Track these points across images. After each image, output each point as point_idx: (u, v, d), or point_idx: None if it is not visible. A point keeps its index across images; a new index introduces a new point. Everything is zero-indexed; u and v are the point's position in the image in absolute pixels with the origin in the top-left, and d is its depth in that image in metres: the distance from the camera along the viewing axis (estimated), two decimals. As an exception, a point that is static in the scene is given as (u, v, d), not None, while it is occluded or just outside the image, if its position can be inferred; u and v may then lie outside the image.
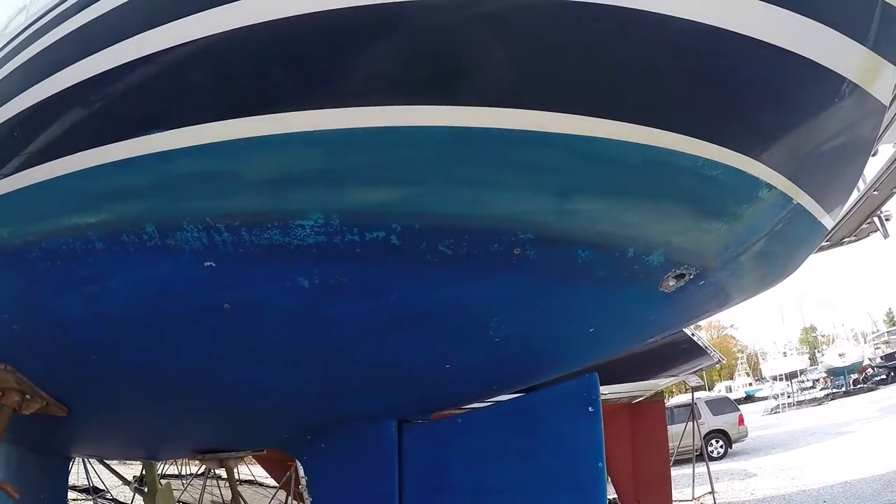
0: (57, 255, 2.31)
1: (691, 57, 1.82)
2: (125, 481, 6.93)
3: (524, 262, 2.03)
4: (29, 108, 2.34)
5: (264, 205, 1.96)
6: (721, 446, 18.76)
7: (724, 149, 1.95)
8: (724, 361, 16.92)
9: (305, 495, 10.24)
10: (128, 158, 2.02)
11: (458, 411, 3.23)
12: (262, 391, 2.74)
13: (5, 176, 2.41)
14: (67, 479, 8.00)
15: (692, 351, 10.75)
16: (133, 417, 3.51)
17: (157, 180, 2.04)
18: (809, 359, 56.38)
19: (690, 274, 2.31)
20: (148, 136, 1.99)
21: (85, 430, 4.17)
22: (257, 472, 12.52)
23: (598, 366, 2.80)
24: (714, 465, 12.21)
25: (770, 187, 2.11)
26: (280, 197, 1.95)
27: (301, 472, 10.21)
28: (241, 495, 4.89)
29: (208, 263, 2.11)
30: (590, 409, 2.63)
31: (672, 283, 2.31)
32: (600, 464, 2.58)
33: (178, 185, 2.02)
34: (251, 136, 1.86)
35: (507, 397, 3.04)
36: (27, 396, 3.27)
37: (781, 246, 2.55)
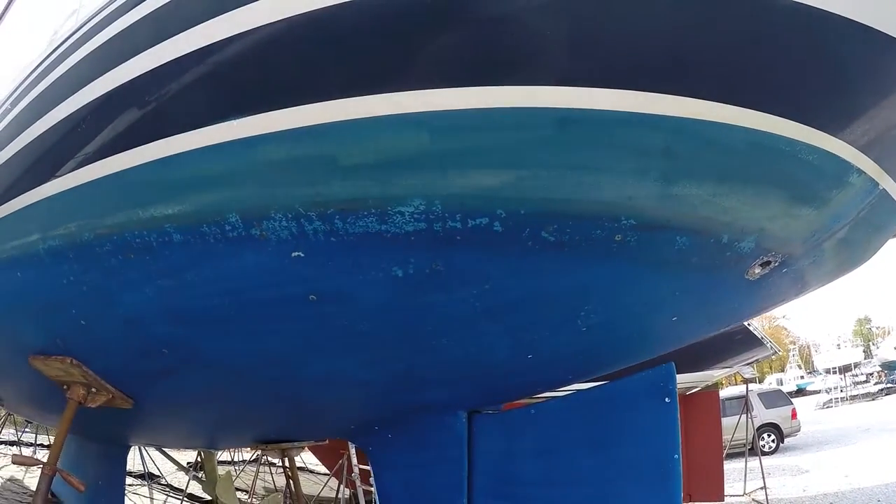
0: (130, 249, 2.27)
1: (798, 40, 1.79)
2: (182, 468, 7.09)
3: (624, 249, 1.96)
4: (96, 99, 2.33)
5: (362, 191, 1.89)
6: (773, 441, 18.28)
7: (822, 133, 1.92)
8: (780, 353, 16.48)
9: (357, 483, 10.44)
10: (211, 146, 1.97)
11: (523, 402, 3.18)
12: (337, 382, 2.71)
13: (72, 170, 2.41)
14: (125, 466, 8.27)
15: (747, 341, 10.50)
16: (199, 408, 3.54)
17: (243, 168, 1.98)
18: (864, 351, 54.42)
19: (776, 261, 2.27)
20: (233, 121, 1.93)
21: (148, 420, 4.22)
22: (308, 458, 12.72)
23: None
24: (765, 460, 11.90)
25: (860, 172, 2.08)
26: (380, 182, 1.88)
27: (354, 461, 10.43)
28: (299, 484, 4.93)
29: (296, 253, 2.04)
30: (666, 399, 2.57)
31: (758, 270, 2.28)
32: (676, 455, 2.50)
33: (267, 172, 1.95)
34: (354, 118, 1.79)
35: (575, 387, 2.99)
36: (93, 390, 3.30)
37: (863, 232, 2.50)
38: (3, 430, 17.10)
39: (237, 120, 1.93)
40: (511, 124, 1.76)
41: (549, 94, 1.72)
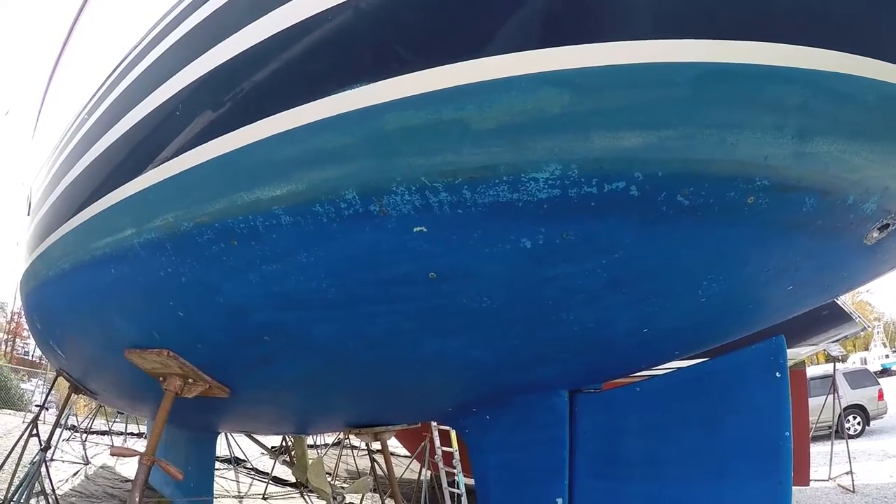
0: (232, 235, 2.21)
1: None
2: (270, 453, 7.29)
3: (755, 212, 1.85)
4: (191, 84, 2.30)
5: (494, 157, 1.78)
6: (858, 423, 17.74)
7: None
8: (869, 329, 15.68)
9: (440, 465, 10.55)
10: (326, 119, 1.89)
11: (618, 383, 3.08)
12: (446, 363, 2.64)
13: (168, 160, 2.38)
14: (214, 452, 8.59)
15: (835, 317, 9.95)
16: (296, 395, 3.55)
17: (363, 140, 1.88)
18: (958, 329, 51.16)
19: (894, 224, 2.14)
20: (351, 90, 1.85)
21: (242, 408, 4.29)
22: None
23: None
24: (851, 444, 11.45)
25: None
26: (515, 147, 1.76)
27: (437, 443, 10.55)
28: (392, 468, 4.98)
29: (418, 228, 1.95)
30: (777, 374, 2.46)
31: (875, 234, 2.15)
32: (787, 433, 2.39)
33: (390, 143, 1.86)
34: (487, 79, 1.70)
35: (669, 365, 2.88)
36: (189, 380, 3.35)
37: None
38: (95, 421, 18.22)
39: (355, 89, 1.85)
40: (653, 81, 1.66)
41: (690, 48, 1.63)
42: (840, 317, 10.03)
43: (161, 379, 3.45)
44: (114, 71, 3.00)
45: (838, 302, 9.63)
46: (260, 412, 4.40)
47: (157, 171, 2.44)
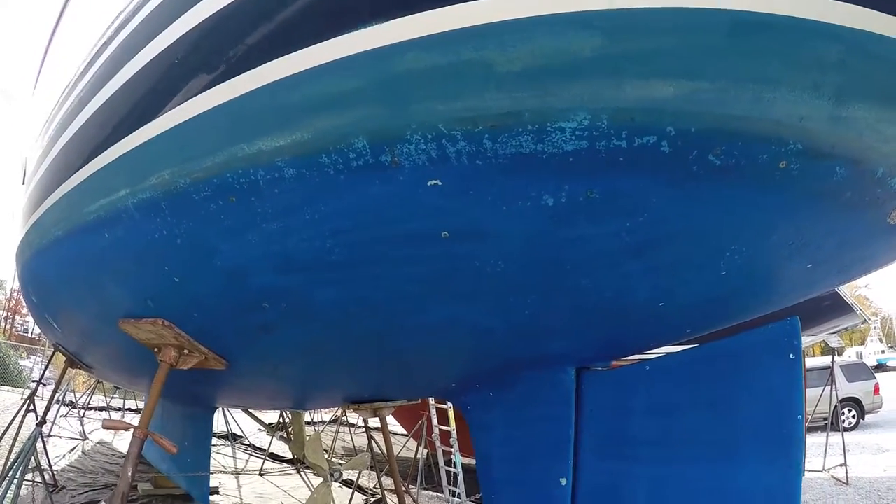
0: (231, 191, 2.08)
1: None
2: (267, 429, 7.26)
3: (786, 178, 1.75)
4: (187, 34, 2.18)
5: (519, 103, 1.64)
6: (853, 416, 17.92)
7: None
8: (869, 322, 15.71)
9: (437, 444, 10.57)
10: (335, 61, 1.76)
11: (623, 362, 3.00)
12: (453, 332, 2.53)
13: (163, 113, 2.26)
14: (211, 428, 8.57)
15: (836, 308, 9.90)
16: (295, 367, 3.45)
17: (376, 83, 1.75)
18: (954, 327, 51.41)
19: None
20: (363, 30, 1.72)
21: (240, 382, 4.22)
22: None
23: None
24: (845, 436, 11.51)
25: None
26: (541, 92, 1.63)
27: (434, 421, 10.56)
28: (391, 445, 4.92)
29: (433, 182, 1.81)
30: (791, 356, 2.38)
31: None
32: (800, 416, 2.32)
33: (406, 86, 1.72)
34: (513, 17, 1.58)
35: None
36: (185, 351, 3.27)
37: None
38: (93, 397, 18.28)
39: (367, 28, 1.72)
40: (689, 26, 1.56)
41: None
42: (841, 308, 9.99)
43: (156, 350, 3.37)
44: (108, 28, 2.88)
45: (840, 293, 9.58)
46: (258, 386, 4.30)
47: (153, 124, 2.31)
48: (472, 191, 1.82)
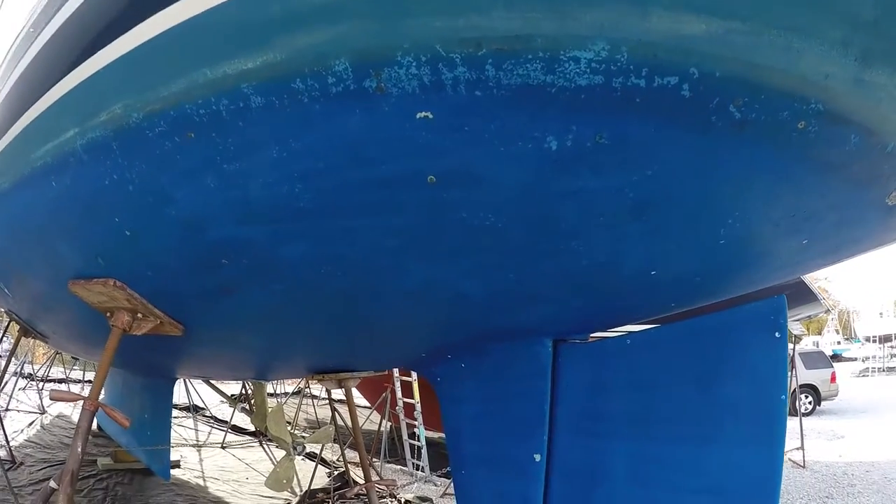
0: (189, 126, 1.83)
1: None
2: (229, 401, 7.10)
3: (802, 141, 1.62)
4: None
5: (532, 25, 1.42)
6: (810, 402, 18.56)
7: None
8: (832, 311, 16.09)
9: (401, 417, 10.52)
10: None
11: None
12: (427, 297, 2.34)
13: (117, 35, 1.98)
14: (172, 399, 8.37)
15: (801, 296, 10.04)
16: (257, 333, 3.25)
17: None
18: (907, 323, 53.32)
19: None
20: None
21: (198, 350, 4.01)
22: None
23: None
24: (802, 421, 11.85)
25: None
26: (558, 14, 1.42)
27: (399, 394, 10.50)
28: (356, 417, 4.80)
29: (423, 114, 1.58)
30: (776, 334, 2.31)
31: None
32: (783, 396, 2.27)
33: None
34: None
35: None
36: (139, 315, 3.07)
37: None
38: (52, 369, 17.80)
39: None
40: None
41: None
42: (806, 296, 10.13)
43: (108, 314, 3.17)
44: None
45: (805, 281, 9.71)
46: (217, 354, 4.11)
47: (103, 53, 2.05)
48: (466, 127, 1.60)
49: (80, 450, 2.96)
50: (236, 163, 1.84)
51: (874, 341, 44.93)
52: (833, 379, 19.58)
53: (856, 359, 46.66)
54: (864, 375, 36.94)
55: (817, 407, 18.42)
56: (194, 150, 1.87)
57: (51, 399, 3.30)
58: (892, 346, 44.62)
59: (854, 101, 1.60)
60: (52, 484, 2.92)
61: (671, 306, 2.43)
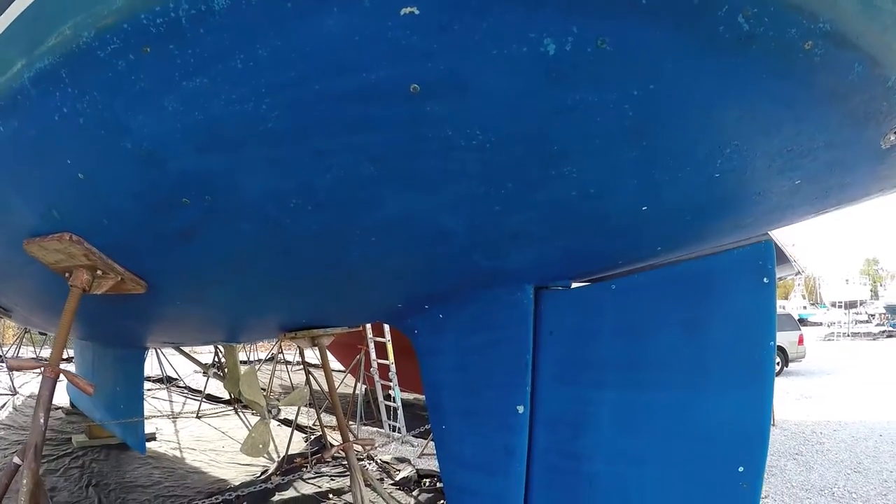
0: (145, 38, 1.62)
1: None
2: (203, 367, 6.96)
3: (807, 63, 1.51)
4: None
5: None
6: (778, 363, 19.09)
7: None
8: (803, 273, 16.37)
9: (376, 378, 10.48)
10: None
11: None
12: (405, 233, 2.18)
13: None
14: (143, 370, 8.21)
15: (770, 257, 10.12)
16: (224, 287, 3.08)
17: None
18: (871, 291, 54.88)
19: None
20: None
21: (163, 311, 3.83)
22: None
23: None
24: (772, 381, 12.20)
25: None
26: None
27: (373, 355, 10.44)
28: (331, 375, 4.69)
29: (407, 10, 1.40)
30: (765, 279, 2.27)
31: (893, 137, 1.93)
32: (772, 342, 2.22)
33: None
34: None
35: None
36: (98, 272, 2.89)
37: None
38: (21, 350, 17.39)
39: None
40: None
41: None
42: (777, 257, 10.21)
43: (67, 275, 2.99)
44: None
45: (777, 243, 9.80)
46: (184, 314, 3.93)
47: None
48: (456, 25, 1.43)
49: (42, 421, 2.81)
50: (196, 78, 1.65)
51: (839, 307, 46.26)
52: (801, 341, 20.14)
53: (821, 324, 48.08)
54: (829, 340, 38.11)
55: (784, 368, 19.00)
56: (150, 67, 1.68)
57: (8, 368, 3.13)
58: (857, 313, 46.03)
59: (861, 25, 1.51)
60: (16, 460, 2.76)
61: (657, 250, 2.33)
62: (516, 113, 1.59)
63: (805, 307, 56.43)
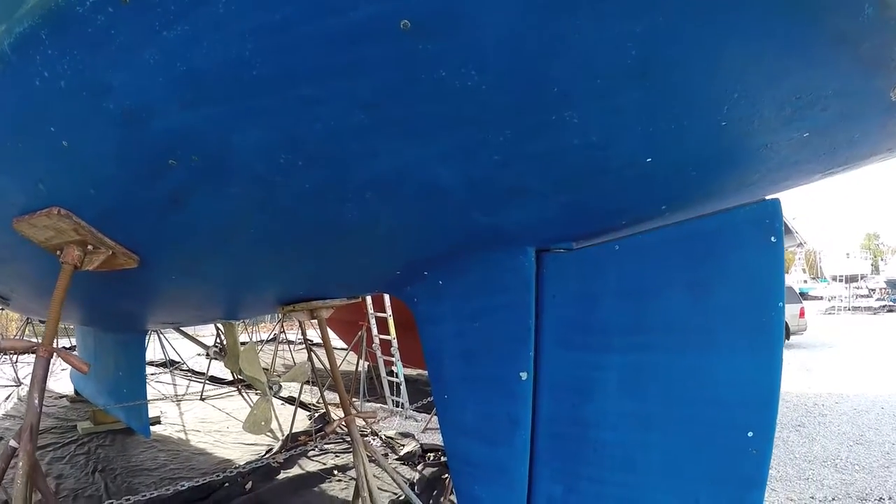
0: None
1: None
2: (205, 348, 6.95)
3: (816, 3, 1.42)
4: None
5: None
6: None
7: None
8: (805, 245, 16.31)
9: (378, 354, 10.47)
10: None
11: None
12: (400, 189, 2.08)
13: None
14: (144, 353, 8.21)
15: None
16: (218, 258, 3.02)
17: None
18: (871, 265, 54.90)
19: None
20: None
21: (158, 287, 3.77)
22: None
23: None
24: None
25: None
26: None
27: (374, 331, 10.42)
28: (331, 348, 4.64)
29: None
30: (772, 238, 2.18)
31: None
32: (781, 303, 2.14)
33: None
34: None
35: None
36: (89, 247, 2.85)
37: None
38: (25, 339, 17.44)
39: None
40: None
41: None
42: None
43: (58, 253, 2.92)
44: None
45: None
46: (180, 290, 3.86)
47: None
48: None
49: (37, 402, 2.77)
50: (177, 26, 1.55)
51: (840, 281, 46.32)
52: (802, 314, 20.28)
53: (821, 298, 48.22)
54: (829, 313, 38.26)
55: (786, 340, 19.34)
56: (130, 18, 1.59)
57: (1, 351, 3.08)
58: (857, 287, 46.14)
59: None
60: (13, 443, 2.72)
61: (661, 209, 2.24)
62: (513, 49, 1.49)
63: (805, 281, 56.53)
